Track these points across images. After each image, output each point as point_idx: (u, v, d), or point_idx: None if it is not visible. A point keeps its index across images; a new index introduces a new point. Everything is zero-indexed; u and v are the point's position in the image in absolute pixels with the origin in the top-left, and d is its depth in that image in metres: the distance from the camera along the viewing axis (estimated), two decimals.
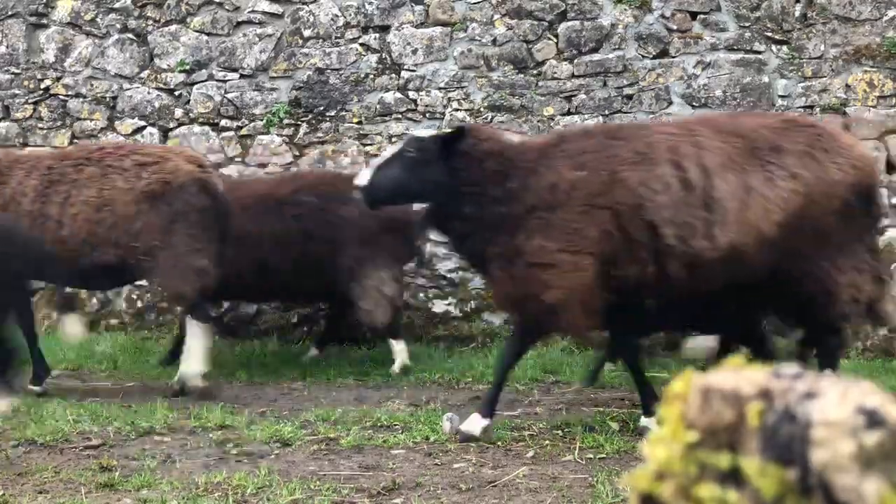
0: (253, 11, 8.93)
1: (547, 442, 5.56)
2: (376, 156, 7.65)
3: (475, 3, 8.63)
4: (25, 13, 9.24)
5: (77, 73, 9.17)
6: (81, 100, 9.16)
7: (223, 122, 8.97)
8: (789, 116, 5.92)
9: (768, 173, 5.41)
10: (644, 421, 5.72)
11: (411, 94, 8.69)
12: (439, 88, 8.65)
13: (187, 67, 8.99)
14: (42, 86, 9.22)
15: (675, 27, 8.36)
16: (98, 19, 9.15)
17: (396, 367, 7.55)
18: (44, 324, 8.93)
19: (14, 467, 5.08)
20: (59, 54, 9.20)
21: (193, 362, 6.81)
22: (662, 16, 8.38)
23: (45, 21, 9.24)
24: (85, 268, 6.85)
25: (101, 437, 5.63)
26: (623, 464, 5.10)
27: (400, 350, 7.63)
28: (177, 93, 9.04)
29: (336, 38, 8.82)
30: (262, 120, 8.88)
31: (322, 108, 8.82)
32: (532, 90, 8.53)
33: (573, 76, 8.50)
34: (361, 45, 8.79)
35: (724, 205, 5.36)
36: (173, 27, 9.03)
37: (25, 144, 9.05)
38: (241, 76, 8.94)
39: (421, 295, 8.64)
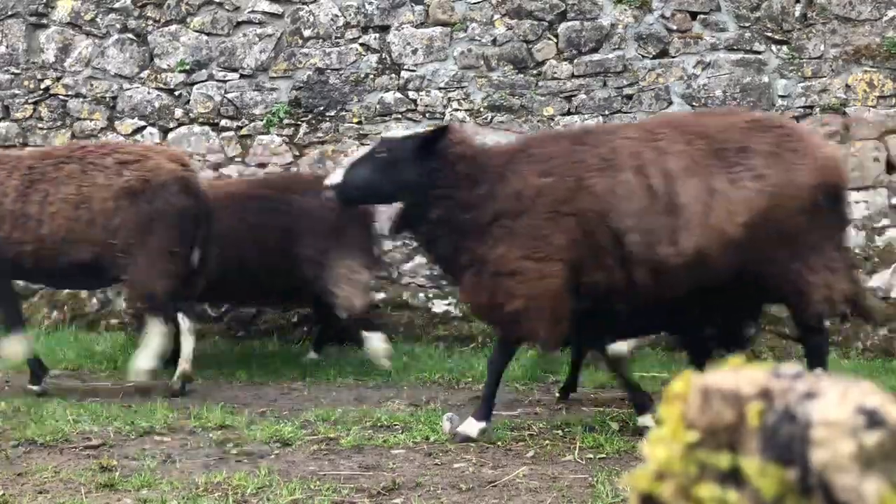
0: (253, 11, 8.93)
1: (547, 442, 5.56)
2: None
3: (475, 3, 8.63)
4: (25, 13, 9.24)
5: (77, 73, 9.18)
6: (81, 100, 9.16)
7: (223, 122, 8.97)
8: (756, 116, 5.87)
9: (733, 174, 5.40)
10: (641, 420, 5.73)
11: (411, 94, 8.69)
12: (439, 88, 8.65)
13: (187, 67, 8.99)
14: (42, 86, 9.22)
15: (675, 27, 8.36)
16: (98, 19, 9.15)
17: (384, 362, 7.56)
18: (43, 323, 8.94)
19: (14, 467, 5.08)
20: (59, 54, 9.20)
21: (146, 356, 6.80)
22: (662, 16, 8.38)
23: (45, 21, 9.24)
24: (63, 266, 6.84)
25: (101, 437, 5.63)
26: (623, 464, 5.10)
27: (377, 339, 7.64)
28: (177, 93, 9.04)
29: (336, 38, 8.82)
30: (262, 120, 8.88)
31: (322, 108, 8.82)
32: (532, 90, 8.53)
33: (573, 76, 8.50)
34: (361, 45, 8.80)
35: (687, 210, 5.36)
36: (173, 27, 9.04)
37: (25, 144, 9.05)
38: (241, 76, 8.95)
39: (421, 295, 8.64)
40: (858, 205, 8.07)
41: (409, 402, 6.58)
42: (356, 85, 8.78)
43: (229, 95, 8.95)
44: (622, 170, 5.44)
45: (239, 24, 8.96)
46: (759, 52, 8.25)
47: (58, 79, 9.20)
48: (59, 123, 9.18)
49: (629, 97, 8.41)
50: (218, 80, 8.98)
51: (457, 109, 8.59)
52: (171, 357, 7.47)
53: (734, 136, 5.51)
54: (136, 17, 9.10)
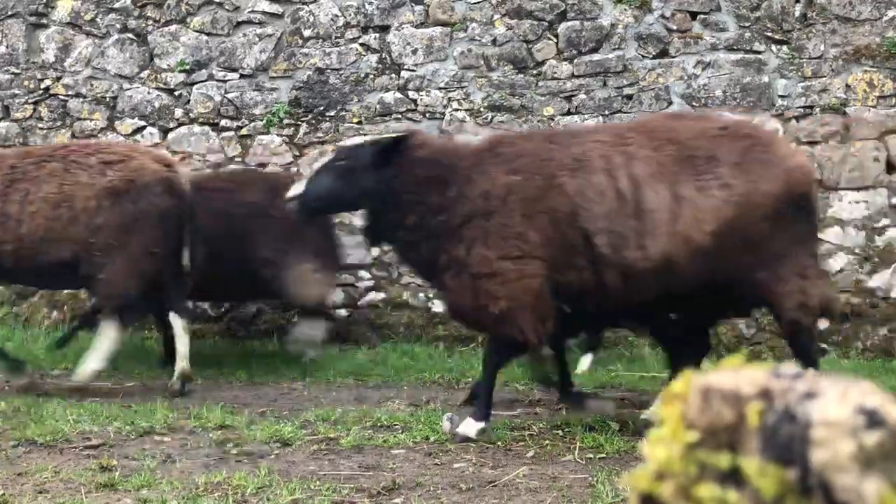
0: (253, 11, 8.93)
1: (547, 442, 5.56)
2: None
3: (475, 3, 8.63)
4: (25, 13, 9.24)
5: (77, 73, 9.18)
6: (81, 100, 9.16)
7: (223, 122, 8.97)
8: (727, 122, 5.86)
9: (700, 182, 5.41)
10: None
11: (411, 94, 8.69)
12: (439, 88, 8.65)
13: (187, 67, 8.99)
14: (42, 86, 9.23)
15: (675, 27, 8.36)
16: (98, 19, 9.15)
17: (309, 352, 7.81)
18: (43, 323, 8.94)
19: (14, 467, 5.07)
20: (59, 54, 9.20)
21: (95, 358, 6.78)
22: (662, 16, 8.38)
23: (45, 21, 9.24)
24: (43, 265, 6.82)
25: (101, 437, 5.62)
26: (623, 464, 5.10)
27: (313, 327, 7.88)
28: (177, 93, 9.04)
29: (336, 38, 8.82)
30: (262, 120, 8.88)
31: (322, 108, 8.82)
32: (532, 90, 8.53)
33: (573, 76, 8.50)
34: (361, 45, 8.80)
35: (654, 215, 5.37)
36: (173, 27, 9.04)
37: (25, 144, 9.05)
38: (241, 76, 8.95)
39: (421, 295, 8.64)
40: (858, 205, 8.08)
41: (409, 402, 6.58)
42: (356, 85, 8.78)
43: (229, 95, 8.95)
44: (593, 171, 5.46)
45: (239, 24, 8.96)
46: (759, 52, 8.25)
47: (58, 79, 9.20)
48: (59, 123, 9.18)
49: (629, 97, 8.41)
50: (218, 80, 8.98)
51: (457, 109, 8.59)
52: (168, 357, 7.48)
53: (703, 143, 5.52)
54: (136, 17, 9.10)
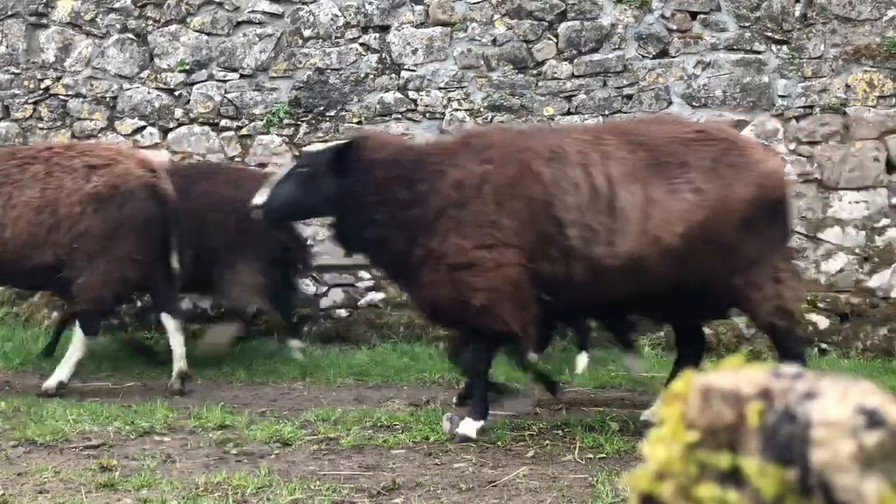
0: (253, 11, 8.93)
1: (547, 442, 5.56)
2: None
3: (475, 3, 8.63)
4: (25, 13, 9.24)
5: (77, 73, 9.18)
6: (81, 100, 9.16)
7: (223, 122, 8.97)
8: (701, 127, 5.88)
9: (671, 186, 5.44)
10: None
11: (411, 94, 8.69)
12: (439, 88, 8.65)
13: (187, 67, 8.99)
14: (42, 86, 9.23)
15: (675, 27, 8.36)
16: (98, 19, 9.15)
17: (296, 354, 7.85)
18: (43, 323, 8.94)
19: (14, 467, 5.07)
20: (59, 54, 9.20)
21: (65, 367, 6.77)
22: (662, 16, 8.38)
23: (45, 21, 9.24)
24: (27, 269, 6.79)
25: (101, 437, 5.62)
26: (623, 464, 5.10)
27: (295, 347, 7.93)
28: (177, 93, 9.04)
29: (336, 38, 8.82)
30: (262, 120, 8.88)
31: (322, 108, 8.82)
32: (532, 90, 8.53)
33: (573, 76, 8.50)
34: (361, 45, 8.80)
35: (625, 214, 5.40)
36: (173, 27, 9.04)
37: (25, 144, 9.05)
38: (241, 76, 8.95)
39: None
40: (858, 205, 8.08)
41: (409, 402, 6.58)
42: (356, 85, 8.78)
43: (229, 95, 8.95)
44: (570, 164, 5.48)
45: (239, 24, 8.96)
46: (759, 52, 8.25)
47: (58, 79, 9.20)
48: (59, 123, 9.18)
49: (629, 97, 8.41)
50: (218, 80, 8.98)
51: (457, 109, 8.59)
52: (166, 358, 7.46)
53: (676, 148, 5.54)
54: (136, 17, 9.10)
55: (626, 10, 8.42)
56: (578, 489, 4.70)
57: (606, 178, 5.44)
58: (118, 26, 9.12)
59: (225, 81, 8.97)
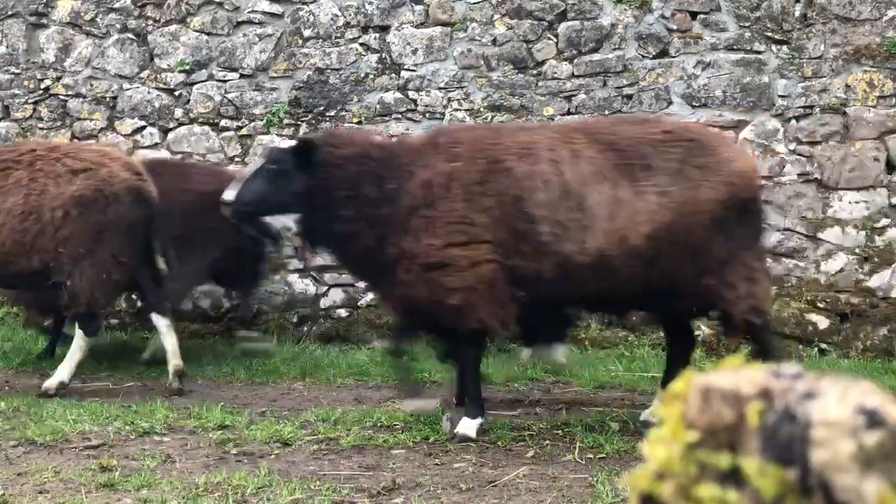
0: (253, 11, 8.93)
1: (547, 442, 5.56)
2: None
3: (475, 3, 8.63)
4: (25, 13, 9.24)
5: (77, 73, 9.18)
6: (81, 100, 9.16)
7: (223, 122, 8.97)
8: (670, 127, 5.84)
9: (638, 187, 5.44)
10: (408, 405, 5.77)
11: (411, 94, 8.69)
12: (439, 88, 8.65)
13: (187, 67, 8.99)
14: (42, 86, 9.22)
15: (675, 27, 8.36)
16: (98, 19, 9.15)
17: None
18: (44, 323, 8.94)
19: (14, 467, 5.08)
20: (59, 54, 9.20)
21: (65, 368, 6.77)
22: (662, 16, 8.38)
23: (45, 21, 9.24)
24: (14, 275, 6.77)
25: (101, 437, 5.62)
26: (623, 464, 5.10)
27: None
28: (177, 93, 9.04)
29: (336, 38, 8.82)
30: (262, 120, 8.88)
31: (322, 108, 8.82)
32: (532, 90, 8.53)
33: (573, 76, 8.50)
34: (361, 45, 8.80)
35: (593, 212, 5.40)
36: (173, 27, 9.04)
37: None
38: (241, 76, 8.95)
39: None
40: (858, 205, 8.08)
41: None
42: (356, 85, 8.78)
43: (229, 95, 8.95)
44: (540, 160, 5.49)
45: (239, 24, 8.96)
46: (759, 52, 8.25)
47: (58, 79, 9.20)
48: (59, 123, 9.18)
49: (629, 97, 8.41)
50: (218, 80, 8.98)
51: (457, 109, 8.59)
52: (161, 358, 7.43)
53: (644, 149, 5.54)
54: (136, 17, 9.10)
55: (626, 10, 8.42)
56: (578, 489, 4.70)
57: (575, 175, 5.45)
58: (118, 26, 9.12)
59: (225, 81, 8.97)
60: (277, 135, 8.85)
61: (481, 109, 8.55)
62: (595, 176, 5.45)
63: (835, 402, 0.97)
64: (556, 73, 8.52)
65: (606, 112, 8.39)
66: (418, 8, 8.69)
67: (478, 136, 5.72)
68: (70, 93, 9.18)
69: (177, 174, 7.92)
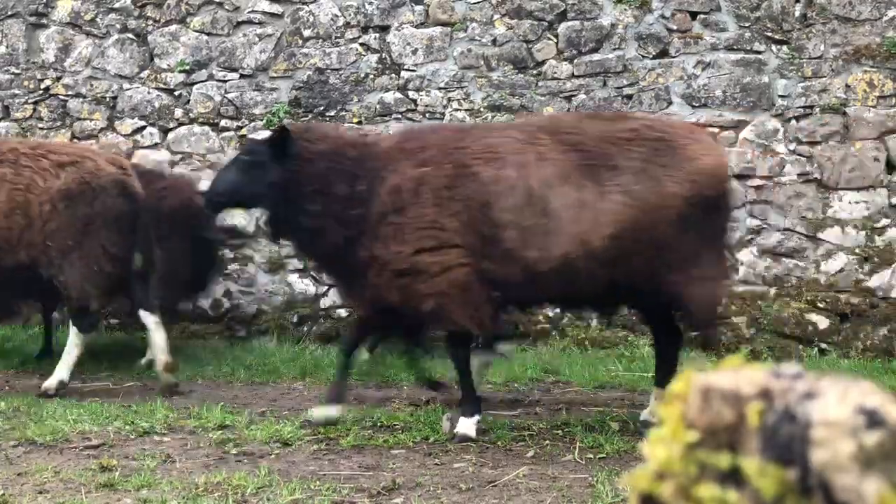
0: (253, 11, 8.93)
1: (547, 442, 5.56)
2: None
3: (475, 3, 8.63)
4: (25, 13, 9.24)
5: (77, 73, 9.18)
6: (81, 100, 9.16)
7: (223, 122, 8.97)
8: (636, 125, 5.79)
9: (602, 187, 5.42)
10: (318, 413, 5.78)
11: (411, 94, 8.69)
12: (439, 88, 8.65)
13: (187, 67, 8.99)
14: (42, 86, 9.22)
15: (675, 27, 8.36)
16: (98, 19, 9.15)
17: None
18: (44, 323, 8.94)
19: (14, 467, 5.07)
20: (59, 54, 9.20)
21: (63, 367, 6.76)
22: (662, 16, 8.38)
23: (45, 21, 9.24)
24: (2, 270, 6.75)
25: (101, 437, 5.62)
26: (623, 464, 5.10)
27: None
28: (177, 93, 9.04)
29: (336, 38, 8.82)
30: (262, 120, 8.88)
31: (322, 108, 8.82)
32: (532, 90, 8.53)
33: (573, 76, 8.50)
34: (361, 45, 8.80)
35: (557, 217, 5.39)
36: (173, 27, 9.04)
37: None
38: (241, 76, 8.95)
39: None
40: (858, 205, 8.08)
41: (408, 402, 6.58)
42: (356, 85, 8.78)
43: (229, 95, 8.95)
44: (506, 164, 5.49)
45: (239, 24, 8.96)
46: (759, 52, 8.25)
47: (58, 79, 9.20)
48: (59, 123, 9.18)
49: (629, 97, 8.41)
50: (218, 80, 8.98)
51: (457, 109, 8.59)
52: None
53: (608, 146, 5.52)
54: (136, 17, 9.10)
55: (626, 10, 8.42)
56: (578, 489, 4.70)
57: (540, 179, 5.44)
58: (118, 26, 9.12)
59: (225, 81, 8.97)
60: None
61: (481, 109, 8.55)
62: (559, 179, 5.44)
63: (835, 402, 0.97)
64: (556, 73, 8.52)
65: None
66: (418, 8, 8.69)
67: (445, 139, 5.70)
68: (70, 93, 9.18)
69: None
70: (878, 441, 0.94)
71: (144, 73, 9.08)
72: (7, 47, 9.26)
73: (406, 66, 8.71)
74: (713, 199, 5.56)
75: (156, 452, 5.32)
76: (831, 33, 8.14)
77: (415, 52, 8.70)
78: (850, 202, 8.09)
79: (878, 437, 0.94)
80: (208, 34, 8.98)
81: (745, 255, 8.25)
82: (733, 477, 1.01)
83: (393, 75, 8.73)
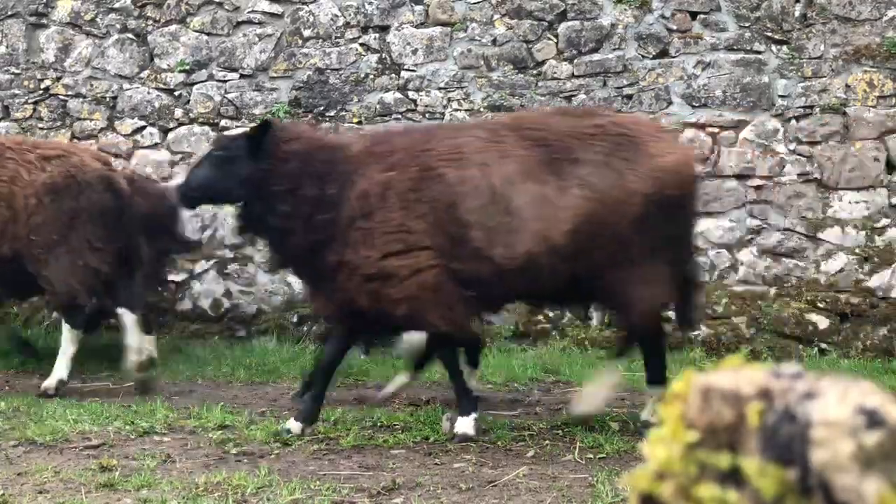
0: (253, 11, 8.93)
1: (547, 442, 5.56)
2: None
3: (475, 3, 8.63)
4: (25, 13, 9.24)
5: (77, 73, 9.17)
6: (81, 100, 9.16)
7: (223, 122, 8.96)
8: (602, 121, 5.76)
9: (563, 181, 5.41)
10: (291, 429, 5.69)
11: (411, 94, 8.69)
12: (439, 88, 8.65)
13: (187, 67, 8.99)
14: (42, 86, 9.22)
15: (675, 27, 8.37)
16: (98, 19, 9.15)
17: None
18: (44, 323, 8.94)
19: (14, 467, 5.08)
20: (59, 54, 9.20)
21: (61, 366, 6.75)
22: (662, 16, 8.38)
23: (45, 21, 9.24)
24: None
25: (101, 437, 5.62)
26: (623, 464, 5.10)
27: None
28: (177, 93, 9.04)
29: (336, 38, 8.82)
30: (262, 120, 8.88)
31: (322, 108, 8.82)
32: (532, 90, 8.53)
33: (573, 76, 8.50)
34: (361, 45, 8.80)
35: (520, 214, 5.39)
36: (173, 27, 9.03)
37: None
38: (241, 76, 8.94)
39: None
40: (858, 205, 8.08)
41: (409, 402, 6.58)
42: (356, 85, 8.78)
43: (229, 95, 8.95)
44: (470, 165, 5.49)
45: (239, 24, 8.96)
46: (759, 52, 8.25)
47: (58, 79, 9.20)
48: (59, 123, 9.17)
49: (629, 97, 8.41)
50: (218, 80, 8.98)
51: (457, 109, 8.59)
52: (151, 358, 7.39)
53: (571, 142, 5.50)
54: (136, 17, 9.10)
55: (626, 10, 8.42)
56: (578, 489, 4.70)
57: (503, 177, 5.44)
58: (118, 26, 9.12)
59: (225, 81, 8.97)
60: None
61: (481, 109, 8.55)
62: (522, 175, 5.44)
63: (835, 402, 0.97)
64: (556, 73, 8.52)
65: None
66: (418, 8, 8.69)
67: (411, 142, 5.68)
68: (70, 93, 9.18)
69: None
70: (878, 441, 0.94)
71: (144, 73, 9.08)
72: (7, 47, 9.26)
73: (406, 66, 8.71)
74: (674, 199, 5.50)
75: (156, 452, 5.32)
76: (831, 33, 8.14)
77: (415, 52, 8.70)
78: (850, 202, 8.09)
79: (878, 437, 0.94)
80: (208, 34, 8.98)
81: (745, 255, 8.25)
82: (733, 477, 1.01)
83: (393, 75, 8.73)
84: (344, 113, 8.78)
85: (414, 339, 6.61)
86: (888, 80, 8.05)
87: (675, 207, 5.53)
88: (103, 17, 9.14)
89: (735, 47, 8.27)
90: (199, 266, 8.90)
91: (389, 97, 8.71)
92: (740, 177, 8.23)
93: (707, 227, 8.25)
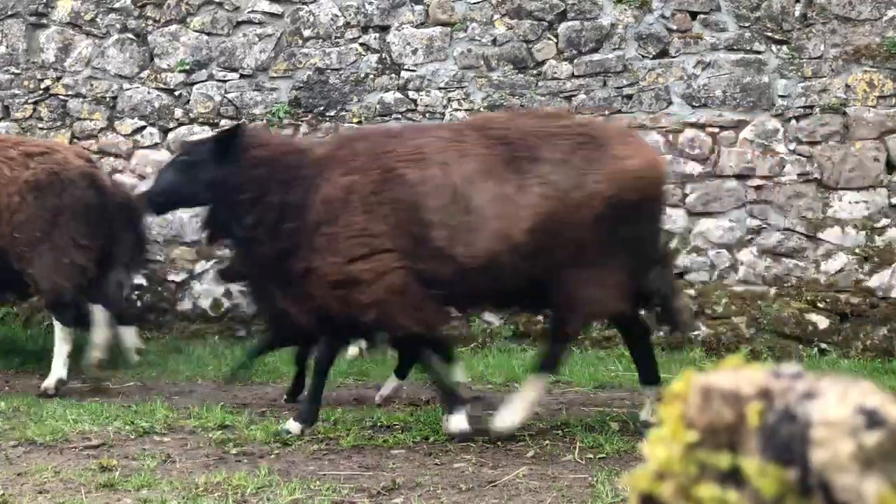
0: (253, 11, 8.93)
1: (547, 442, 5.56)
2: None
3: (475, 3, 8.63)
4: (25, 13, 9.24)
5: (77, 73, 9.18)
6: (81, 100, 9.16)
7: (223, 123, 8.96)
8: (567, 122, 5.75)
9: (523, 180, 5.39)
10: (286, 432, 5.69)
11: (411, 94, 8.69)
12: (439, 88, 8.65)
13: (187, 67, 8.99)
14: (42, 86, 9.22)
15: (675, 27, 8.37)
16: (98, 19, 9.15)
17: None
18: (44, 323, 8.94)
19: (14, 467, 5.08)
20: (59, 54, 9.20)
21: (58, 365, 6.74)
22: (662, 16, 8.39)
23: (45, 21, 9.24)
24: None
25: (101, 437, 5.62)
26: (623, 464, 5.10)
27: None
28: (177, 93, 9.04)
29: (336, 38, 8.82)
30: (262, 120, 8.88)
31: (322, 108, 8.82)
32: (532, 90, 8.53)
33: (573, 76, 8.50)
34: (361, 45, 8.80)
35: (480, 213, 5.38)
36: (173, 27, 9.04)
37: None
38: (241, 76, 8.94)
39: None
40: (858, 205, 8.08)
41: (409, 402, 6.58)
42: (356, 85, 8.78)
43: (229, 95, 8.95)
44: (431, 165, 5.48)
45: (239, 24, 8.96)
46: (759, 52, 8.25)
47: (58, 79, 9.20)
48: (59, 123, 9.18)
49: (629, 97, 8.41)
50: (218, 80, 8.98)
51: (457, 109, 8.59)
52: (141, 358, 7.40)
53: (533, 142, 5.49)
54: (136, 17, 9.10)
55: (626, 10, 8.43)
56: (578, 489, 4.70)
57: (462, 176, 5.43)
58: (118, 26, 9.12)
59: (225, 81, 8.97)
60: None
61: (481, 109, 8.55)
62: (482, 174, 5.42)
63: (835, 402, 0.97)
64: (556, 73, 8.52)
65: (606, 112, 8.39)
66: (418, 8, 8.69)
67: (374, 144, 5.66)
68: (70, 93, 9.18)
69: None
70: (878, 441, 0.94)
71: (144, 73, 9.08)
72: (7, 47, 9.26)
73: (406, 66, 8.71)
74: (636, 202, 5.45)
75: (156, 452, 5.32)
76: (831, 33, 8.14)
77: (415, 52, 8.70)
78: (850, 202, 8.10)
79: (878, 437, 0.94)
80: (208, 34, 8.98)
81: (745, 255, 8.25)
82: (733, 477, 1.01)
83: (393, 75, 8.73)
84: (344, 113, 8.78)
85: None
86: (888, 80, 8.05)
87: (636, 211, 5.47)
88: (103, 17, 9.14)
89: (735, 47, 8.27)
90: (199, 266, 8.91)
91: (389, 97, 8.71)
92: (740, 177, 8.23)
93: (707, 227, 8.26)
